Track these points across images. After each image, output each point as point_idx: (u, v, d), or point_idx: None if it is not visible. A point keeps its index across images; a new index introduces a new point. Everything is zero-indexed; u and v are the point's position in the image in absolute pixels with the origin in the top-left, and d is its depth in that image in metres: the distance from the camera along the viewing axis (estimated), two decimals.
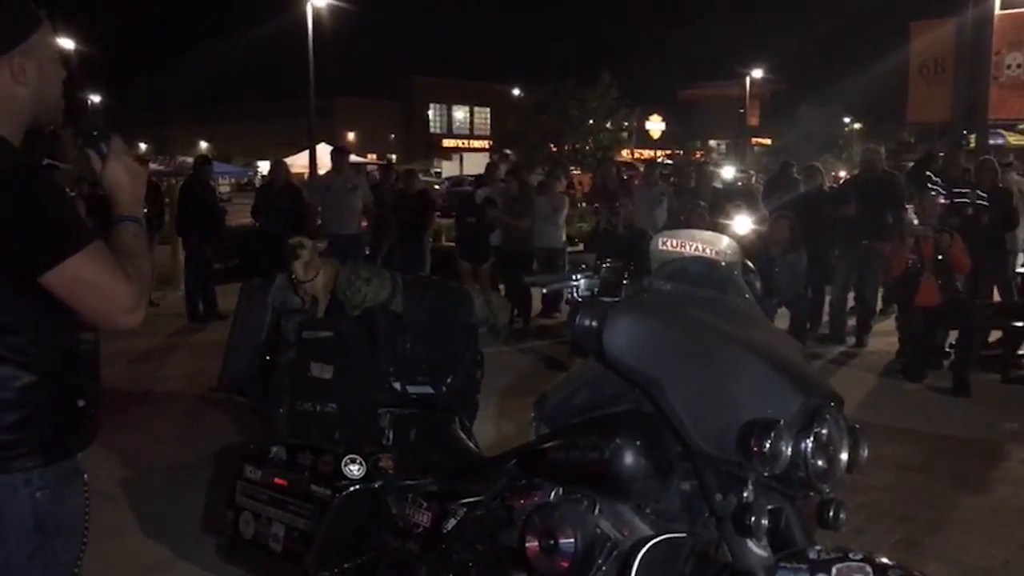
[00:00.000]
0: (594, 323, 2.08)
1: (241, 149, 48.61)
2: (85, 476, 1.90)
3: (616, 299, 2.23)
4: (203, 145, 44.81)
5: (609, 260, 2.42)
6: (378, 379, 2.89)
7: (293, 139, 32.85)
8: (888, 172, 8.15)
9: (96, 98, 43.32)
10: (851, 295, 8.22)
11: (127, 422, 5.27)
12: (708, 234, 2.74)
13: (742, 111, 46.32)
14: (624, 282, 2.38)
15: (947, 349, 6.75)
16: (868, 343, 7.88)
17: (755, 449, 1.99)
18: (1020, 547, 3.82)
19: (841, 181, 8.57)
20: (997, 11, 16.87)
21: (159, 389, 6.48)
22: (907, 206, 7.50)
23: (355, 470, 2.70)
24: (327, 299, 3.00)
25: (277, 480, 2.81)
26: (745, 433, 2.03)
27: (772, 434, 1.99)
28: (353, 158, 29.73)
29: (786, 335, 2.62)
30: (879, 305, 8.40)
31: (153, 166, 27.25)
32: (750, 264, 2.89)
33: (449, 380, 3.08)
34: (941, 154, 8.19)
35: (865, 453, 2.26)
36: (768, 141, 46.34)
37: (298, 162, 25.57)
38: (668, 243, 2.42)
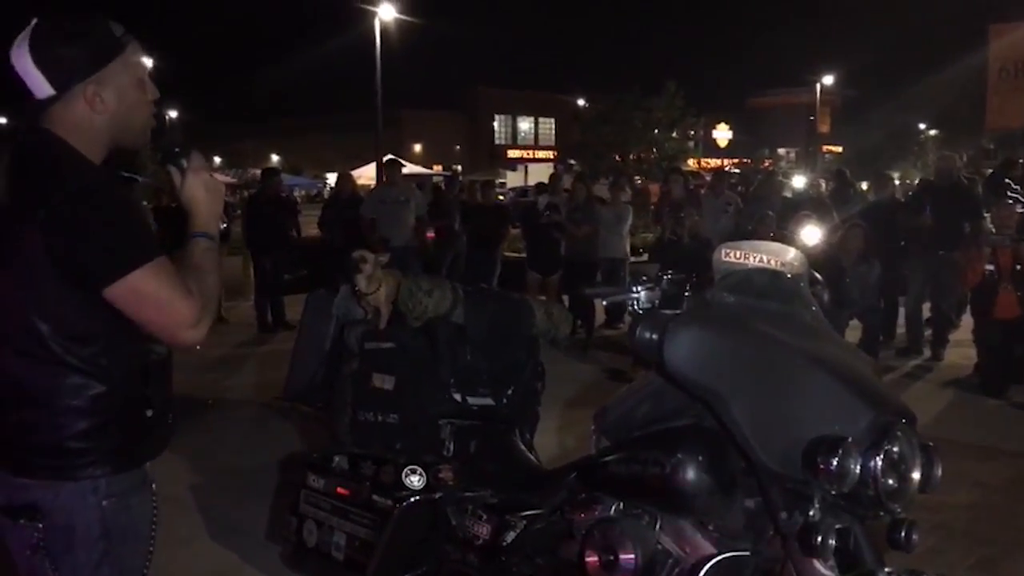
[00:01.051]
0: (654, 336, 2.05)
1: (311, 162, 49.63)
2: (153, 485, 1.92)
3: (677, 311, 2.19)
4: (274, 158, 45.88)
5: (671, 271, 2.39)
6: (438, 390, 2.90)
7: (361, 151, 33.38)
8: (965, 180, 7.88)
9: (174, 113, 44.80)
10: (927, 307, 7.96)
11: (195, 429, 5.38)
12: (773, 245, 2.68)
13: (812, 118, 45.46)
14: (686, 294, 2.34)
15: None
16: (945, 356, 7.61)
17: (822, 467, 1.94)
18: None
19: (915, 190, 8.29)
20: None
21: (227, 397, 6.62)
22: (984, 215, 7.22)
23: (415, 481, 2.71)
24: (389, 310, 3.02)
25: (339, 489, 2.84)
26: (811, 450, 1.98)
27: (840, 451, 1.93)
28: (419, 169, 30.00)
29: (856, 349, 2.55)
30: (957, 318, 8.12)
31: (226, 179, 28.02)
32: (817, 276, 2.82)
33: (510, 392, 3.08)
34: (1021, 161, 7.88)
35: (939, 472, 2.18)
36: (839, 149, 45.37)
37: (366, 174, 25.96)
38: (731, 254, 2.36)
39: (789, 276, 2.54)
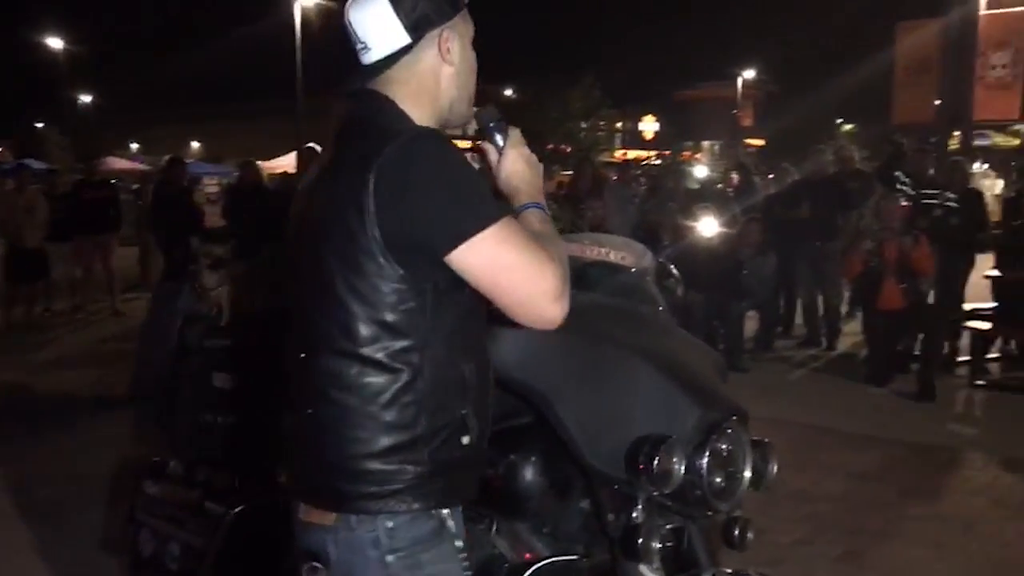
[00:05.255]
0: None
1: (234, 149, 48.36)
2: (458, 542, 1.57)
3: None
4: (194, 145, 44.65)
5: None
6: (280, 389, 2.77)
7: (284, 139, 32.70)
8: (846, 173, 8.03)
9: (87, 98, 43.20)
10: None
11: (73, 427, 5.15)
12: (616, 238, 2.64)
13: (735, 112, 46.22)
14: None
15: (916, 353, 6.64)
16: (838, 346, 7.77)
17: (643, 467, 1.90)
18: (967, 559, 3.71)
19: (790, 183, 8.48)
20: (982, 11, 16.83)
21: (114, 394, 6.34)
22: (863, 207, 7.38)
23: (252, 485, 2.58)
24: (231, 306, 2.88)
25: (173, 496, 2.70)
26: (634, 450, 1.93)
27: (662, 451, 1.89)
28: None
29: (700, 345, 2.49)
30: (853, 309, 8.31)
31: (140, 166, 27.14)
32: (673, 269, 2.79)
33: None
34: (908, 153, 8.07)
35: (775, 469, 2.15)
36: (761, 142, 46.24)
37: (287, 163, 25.43)
38: (571, 248, 2.28)
39: (633, 270, 2.50)
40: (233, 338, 2.81)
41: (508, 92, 43.08)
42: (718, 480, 2.02)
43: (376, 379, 1.48)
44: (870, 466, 4.80)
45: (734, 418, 2.05)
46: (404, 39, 1.56)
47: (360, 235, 1.44)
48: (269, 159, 25.24)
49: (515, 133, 1.72)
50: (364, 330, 1.47)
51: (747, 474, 2.09)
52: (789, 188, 8.38)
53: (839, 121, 40.62)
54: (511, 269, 1.45)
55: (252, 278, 2.88)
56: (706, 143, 50.74)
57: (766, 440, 2.15)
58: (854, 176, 7.92)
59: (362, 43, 1.59)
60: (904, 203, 6.50)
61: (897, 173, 7.21)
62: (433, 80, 1.60)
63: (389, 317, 1.47)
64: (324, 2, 24.45)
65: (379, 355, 1.48)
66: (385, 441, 1.48)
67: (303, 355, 1.54)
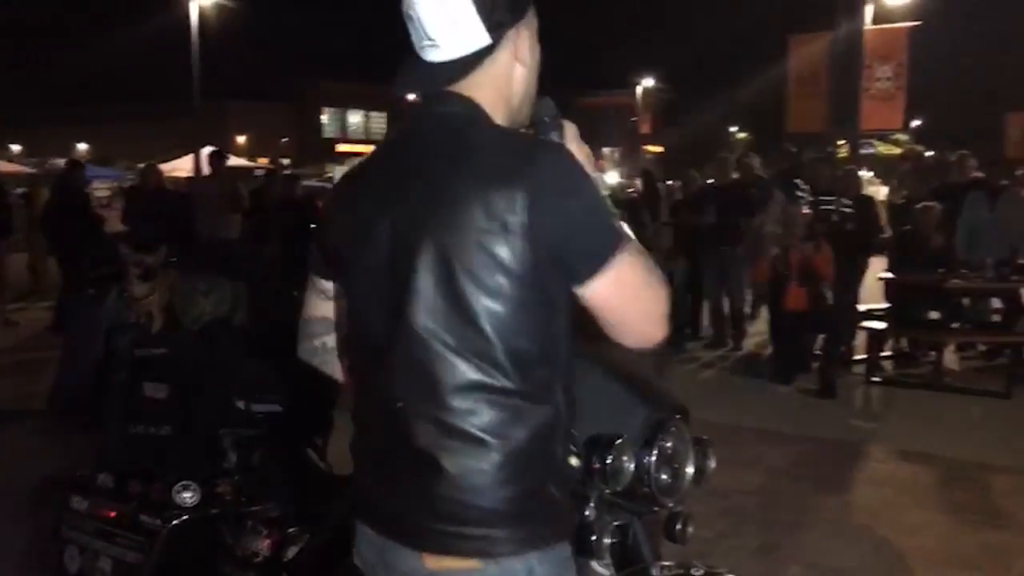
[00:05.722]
0: None
1: (125, 152, 46.52)
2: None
3: None
4: (81, 147, 42.74)
5: None
6: (217, 398, 2.72)
7: (181, 142, 31.71)
8: (748, 180, 8.36)
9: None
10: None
11: None
12: None
13: (634, 120, 47.32)
14: None
15: (817, 352, 6.97)
16: (744, 347, 8.07)
17: (596, 466, 1.94)
18: (875, 547, 3.93)
19: (697, 190, 8.81)
20: (868, 26, 17.75)
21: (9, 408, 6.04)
22: (764, 212, 7.68)
23: (188, 498, 2.53)
24: (163, 314, 2.81)
25: (104, 510, 2.61)
26: (586, 450, 1.98)
27: (613, 450, 1.94)
28: (244, 162, 28.83)
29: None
30: (756, 311, 8.64)
31: (24, 169, 25.85)
32: None
33: (301, 397, 2.94)
34: (805, 161, 8.45)
35: (713, 464, 2.23)
36: (660, 149, 47.48)
37: (184, 166, 24.66)
38: None
39: None
40: (165, 347, 2.74)
41: (412, 97, 42.84)
42: (664, 477, 2.09)
43: (519, 413, 1.38)
44: (782, 461, 5.03)
45: (678, 417, 2.13)
46: (484, 39, 1.43)
47: (505, 256, 1.33)
48: (162, 162, 24.39)
49: (571, 128, 1.55)
50: (505, 360, 1.37)
51: (690, 470, 2.17)
52: (696, 194, 8.66)
53: (734, 129, 42.05)
54: (635, 298, 1.40)
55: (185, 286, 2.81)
56: (606, 150, 51.65)
57: (705, 437, 2.24)
58: (755, 183, 8.25)
59: (430, 40, 1.44)
60: (805, 210, 6.81)
61: (796, 181, 7.54)
62: (507, 82, 1.49)
63: (530, 345, 1.38)
64: (225, 2, 23.80)
65: (522, 387, 1.37)
66: (529, 478, 1.40)
67: (408, 400, 1.40)
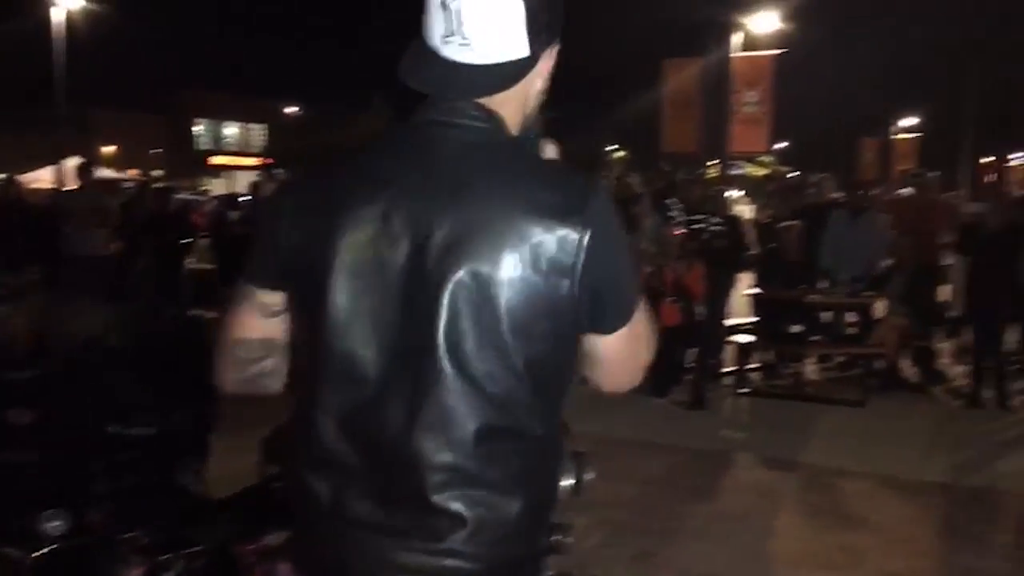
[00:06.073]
0: None
1: None
2: None
3: None
4: None
5: None
6: (87, 423, 2.64)
7: (41, 152, 30.09)
8: (632, 198, 8.64)
9: None
10: None
11: None
12: None
13: None
14: None
15: (690, 366, 7.25)
16: None
17: None
18: (742, 551, 4.14)
19: None
20: (736, 53, 18.69)
21: None
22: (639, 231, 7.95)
23: (55, 527, 2.43)
24: (28, 336, 2.70)
25: None
26: None
27: None
28: (112, 174, 27.68)
29: None
30: None
31: None
32: None
33: (175, 419, 2.88)
34: (676, 181, 8.79)
35: (590, 476, 2.32)
36: None
37: (44, 177, 23.39)
38: None
39: None
40: (30, 371, 2.64)
41: (295, 109, 42.08)
42: None
43: (543, 459, 1.36)
44: (656, 471, 5.23)
45: None
46: (523, 51, 1.31)
47: (550, 295, 1.26)
48: (21, 173, 23.09)
49: (552, 148, 1.45)
50: (536, 404, 1.30)
51: (571, 481, 2.26)
52: None
53: (610, 148, 43.16)
54: (639, 348, 1.39)
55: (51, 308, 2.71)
56: None
57: (582, 451, 2.33)
58: (634, 201, 8.53)
59: (464, 39, 1.29)
60: (677, 230, 7.11)
61: (669, 201, 7.85)
62: (527, 100, 1.39)
63: (557, 389, 1.33)
64: (92, 6, 22.82)
65: (545, 432, 1.32)
66: (546, 517, 1.40)
67: (413, 441, 1.26)
